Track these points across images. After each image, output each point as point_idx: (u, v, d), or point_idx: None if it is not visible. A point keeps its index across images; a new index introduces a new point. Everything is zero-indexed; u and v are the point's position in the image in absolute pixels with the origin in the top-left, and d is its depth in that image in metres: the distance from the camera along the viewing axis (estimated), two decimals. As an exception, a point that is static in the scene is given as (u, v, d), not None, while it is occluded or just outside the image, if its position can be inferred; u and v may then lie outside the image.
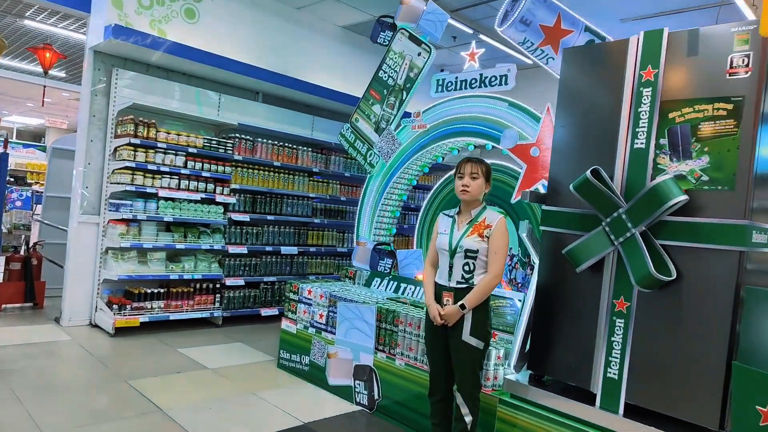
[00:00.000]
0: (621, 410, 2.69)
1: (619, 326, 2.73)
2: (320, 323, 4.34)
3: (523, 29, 3.79)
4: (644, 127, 2.70)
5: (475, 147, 4.86)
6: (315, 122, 7.00)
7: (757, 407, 2.16)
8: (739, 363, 2.22)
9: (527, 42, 3.88)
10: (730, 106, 2.46)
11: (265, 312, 6.27)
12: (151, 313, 5.42)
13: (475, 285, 2.84)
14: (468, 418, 2.84)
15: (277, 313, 6.34)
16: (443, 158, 5.14)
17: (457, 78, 4.66)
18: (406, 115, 5.05)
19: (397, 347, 3.77)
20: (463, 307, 2.81)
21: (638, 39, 2.78)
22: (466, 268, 2.86)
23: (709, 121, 2.52)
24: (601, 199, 2.71)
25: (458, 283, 2.87)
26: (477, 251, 2.85)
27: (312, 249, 6.75)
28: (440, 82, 4.79)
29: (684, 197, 2.46)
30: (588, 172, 2.73)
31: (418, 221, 5.30)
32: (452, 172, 4.94)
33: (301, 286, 4.57)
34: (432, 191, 5.19)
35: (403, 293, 4.53)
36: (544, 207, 3.11)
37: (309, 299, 4.48)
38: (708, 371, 2.45)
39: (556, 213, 3.03)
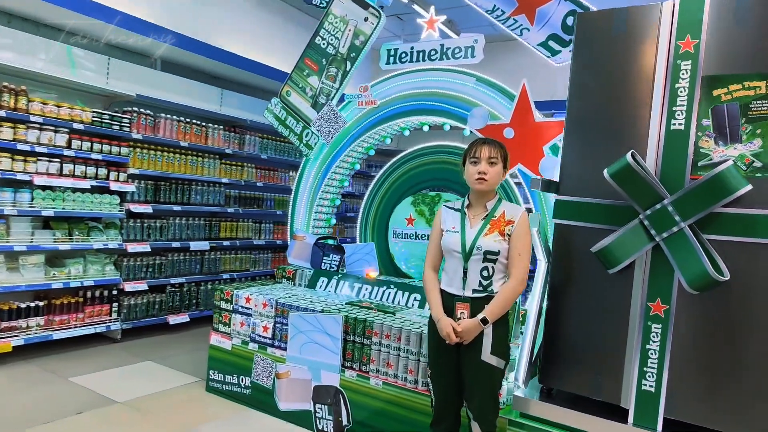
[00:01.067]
0: (659, 427, 2.37)
1: (656, 332, 2.40)
2: (264, 337, 3.61)
3: None
4: (683, 105, 2.36)
5: (431, 128, 4.36)
6: (224, 96, 6.04)
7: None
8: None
9: (497, 10, 3.46)
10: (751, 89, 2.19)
11: (174, 320, 5.31)
12: (27, 333, 4.27)
13: (496, 293, 2.35)
14: None
15: (188, 319, 5.42)
16: (391, 140, 4.57)
17: (413, 48, 4.11)
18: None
19: (370, 363, 3.19)
20: (485, 321, 2.31)
21: (673, 3, 2.42)
22: (485, 273, 2.36)
23: (763, 99, 2.23)
24: (642, 188, 2.33)
25: (475, 291, 2.36)
26: (498, 253, 2.35)
27: (226, 243, 5.86)
28: (392, 53, 4.20)
29: (749, 186, 2.16)
30: (629, 156, 2.34)
31: (361, 212, 4.70)
32: (401, 156, 4.44)
33: (235, 293, 3.78)
34: (378, 177, 4.61)
35: (358, 295, 3.93)
36: (558, 197, 2.69)
37: (247, 309, 3.72)
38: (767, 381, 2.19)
39: (575, 204, 2.61)
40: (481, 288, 2.36)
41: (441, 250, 2.52)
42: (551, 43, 3.56)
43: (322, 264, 4.28)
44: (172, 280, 5.33)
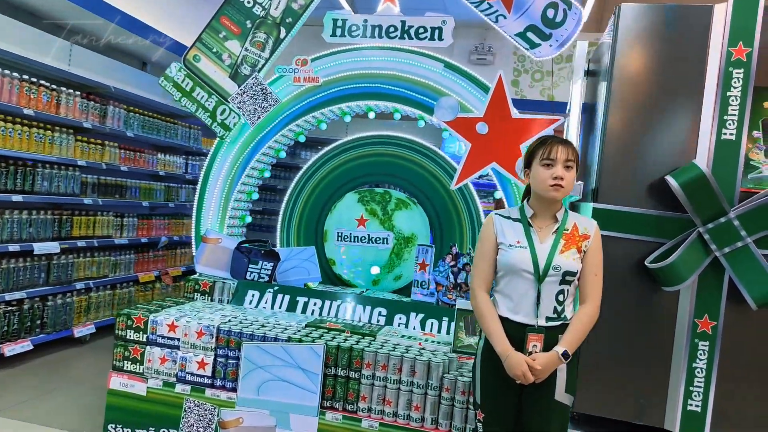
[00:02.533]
0: (705, 448, 2.29)
1: (703, 349, 2.31)
2: (201, 376, 2.76)
3: None
4: (734, 115, 2.28)
5: (377, 115, 3.83)
6: (73, 51, 4.65)
7: None
8: None
9: None
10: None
11: (11, 350, 3.93)
12: None
13: (571, 321, 2.01)
14: None
15: (31, 347, 4.08)
16: (327, 125, 3.92)
17: (366, 22, 3.52)
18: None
19: (359, 401, 2.61)
20: (566, 356, 1.94)
21: (726, 8, 2.32)
22: (560, 297, 2.00)
23: (809, 116, 2.24)
24: (708, 200, 2.20)
25: (548, 320, 1.99)
26: (576, 273, 2.00)
27: (81, 243, 4.56)
28: (339, 24, 3.57)
29: (819, 205, 2.14)
30: (703, 165, 2.17)
31: (283, 209, 3.96)
32: (339, 144, 3.83)
33: (151, 319, 2.84)
34: (306, 168, 3.91)
35: (305, 311, 3.26)
36: (596, 205, 2.44)
37: (172, 339, 2.82)
38: (814, 395, 2.23)
39: (617, 213, 2.40)
40: (555, 315, 1.99)
41: (494, 269, 2.09)
42: (530, 35, 3.31)
43: (248, 273, 3.48)
44: (8, 296, 3.94)
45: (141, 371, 2.83)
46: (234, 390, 2.71)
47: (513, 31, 3.34)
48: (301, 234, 3.93)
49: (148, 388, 2.80)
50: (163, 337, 2.82)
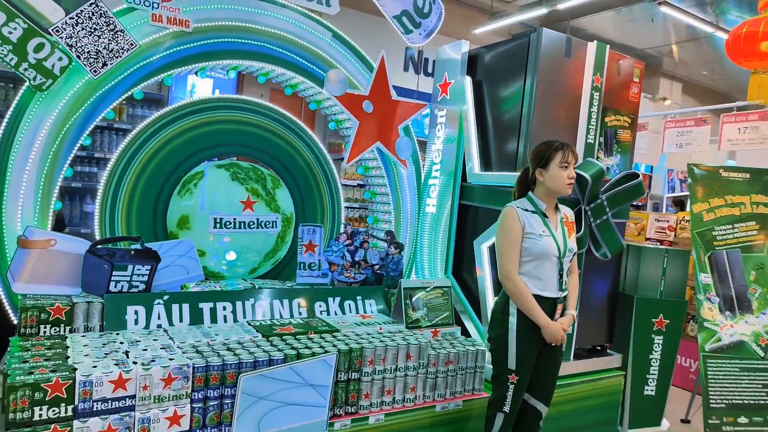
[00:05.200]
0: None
1: (573, 291, 3.30)
2: (173, 434, 2.05)
3: None
4: (594, 126, 3.27)
5: (239, 74, 3.24)
6: None
7: (652, 320, 3.48)
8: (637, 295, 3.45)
9: None
10: (629, 120, 3.46)
11: None
12: None
13: (569, 289, 2.60)
14: None
15: None
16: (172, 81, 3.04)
17: (249, -37, 2.93)
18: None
19: (362, 399, 2.51)
20: (575, 317, 2.55)
21: (592, 47, 3.21)
22: (565, 273, 2.56)
23: (624, 129, 3.43)
24: (596, 188, 3.11)
25: (562, 290, 2.54)
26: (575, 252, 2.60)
27: None
28: (213, -44, 2.84)
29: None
30: (602, 164, 3.04)
31: (102, 191, 2.90)
32: (176, 107, 3.15)
33: (81, 382, 1.86)
34: (130, 137, 2.94)
35: (214, 320, 2.69)
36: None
37: (124, 399, 1.95)
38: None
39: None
40: (564, 287, 2.55)
41: (519, 255, 2.46)
42: (405, 20, 3.51)
43: (112, 284, 2.56)
44: None
45: (71, 463, 1.86)
46: (223, 435, 2.15)
47: (391, 12, 3.46)
48: (132, 220, 3.03)
49: (88, 482, 1.88)
50: (105, 400, 1.92)
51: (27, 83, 2.43)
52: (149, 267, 2.65)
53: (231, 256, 3.19)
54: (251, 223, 3.08)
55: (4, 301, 2.51)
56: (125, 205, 3.00)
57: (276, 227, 3.20)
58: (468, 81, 3.38)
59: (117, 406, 1.95)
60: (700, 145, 4.95)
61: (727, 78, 11.18)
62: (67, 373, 1.88)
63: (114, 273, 2.56)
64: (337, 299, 3.11)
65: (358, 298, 3.18)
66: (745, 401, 3.45)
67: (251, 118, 3.32)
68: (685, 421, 3.89)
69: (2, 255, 2.50)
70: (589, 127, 3.23)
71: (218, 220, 3.03)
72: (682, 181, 11.10)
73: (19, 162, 2.46)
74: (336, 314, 3.06)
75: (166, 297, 2.62)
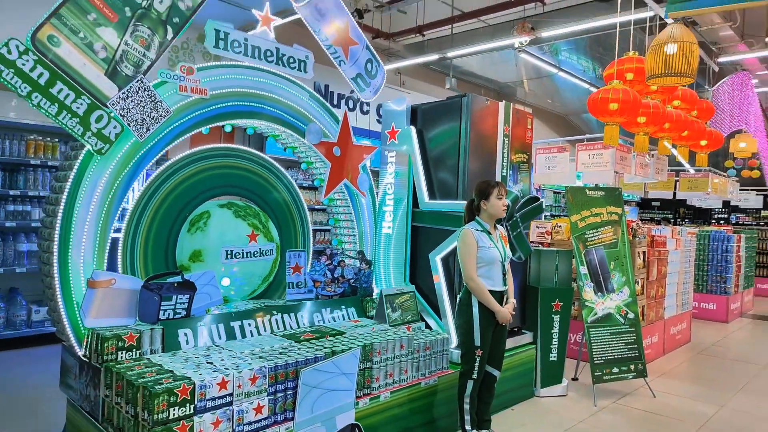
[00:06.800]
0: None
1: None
2: (257, 421, 2.66)
3: (318, 18, 4.03)
4: (505, 163, 4.39)
5: (211, 129, 3.80)
6: None
7: (551, 303, 4.69)
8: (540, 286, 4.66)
9: (322, 34, 4.10)
10: (527, 156, 4.65)
11: None
12: None
13: (508, 284, 3.63)
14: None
15: None
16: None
17: (247, 41, 3.57)
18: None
19: (375, 381, 3.28)
20: (515, 303, 3.59)
21: (504, 103, 4.34)
22: (505, 272, 3.58)
23: (523, 163, 4.61)
24: (511, 209, 4.22)
25: (505, 285, 3.55)
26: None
27: None
28: (221, 36, 3.45)
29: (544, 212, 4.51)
30: (520, 194, 4.15)
31: (124, 231, 3.31)
32: (178, 158, 3.70)
33: (198, 385, 2.43)
34: (144, 187, 3.39)
35: (243, 335, 3.28)
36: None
37: (224, 396, 2.53)
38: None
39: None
40: (506, 283, 3.57)
41: (476, 262, 3.43)
42: (359, 80, 4.35)
43: (161, 312, 3.06)
44: None
45: (193, 447, 2.41)
46: (288, 419, 2.80)
47: (349, 75, 4.29)
48: (149, 256, 3.48)
49: (205, 462, 2.45)
50: (214, 399, 2.50)
51: (87, 148, 2.86)
52: (188, 296, 3.18)
53: (225, 282, 3.76)
54: (256, 253, 3.70)
55: (71, 334, 2.88)
56: (142, 243, 3.44)
57: (272, 254, 3.83)
58: (413, 129, 4.32)
59: (221, 402, 2.54)
60: (564, 168, 6.42)
61: (564, 105, 13.58)
62: (187, 380, 2.43)
63: (162, 303, 3.06)
64: (328, 309, 3.83)
65: (342, 307, 3.94)
66: (615, 356, 4.80)
67: (240, 162, 3.91)
68: (575, 379, 5.17)
69: (68, 295, 2.87)
70: (503, 163, 4.35)
71: (229, 252, 3.60)
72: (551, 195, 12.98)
73: (81, 216, 2.86)
74: (331, 321, 3.78)
75: (203, 320, 3.17)
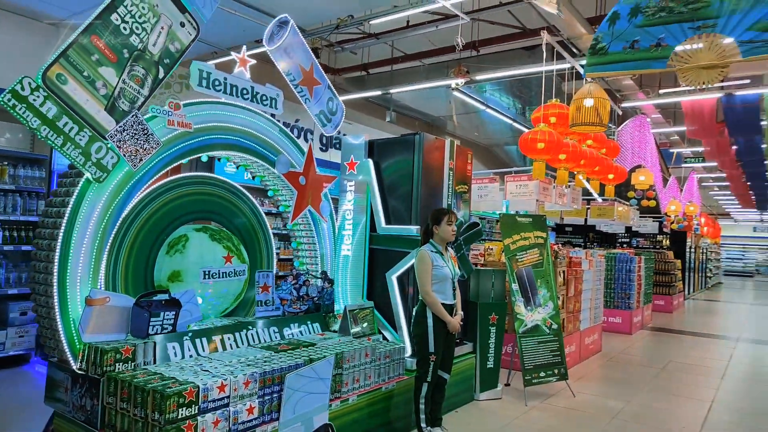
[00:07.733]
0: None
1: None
2: (249, 420, 3.00)
3: (287, 59, 4.55)
4: (449, 192, 5.00)
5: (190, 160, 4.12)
6: None
7: (488, 316, 5.31)
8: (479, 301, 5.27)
9: (290, 75, 4.60)
10: (467, 187, 5.29)
11: None
12: None
13: (457, 298, 4.18)
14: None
15: None
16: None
17: (226, 79, 3.95)
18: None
19: (344, 386, 3.68)
20: (462, 315, 4.14)
21: (451, 141, 4.96)
22: (455, 288, 4.14)
23: (464, 193, 5.24)
24: (456, 233, 4.80)
25: (454, 299, 4.10)
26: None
27: None
28: (204, 75, 3.82)
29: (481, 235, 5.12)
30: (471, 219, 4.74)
31: (108, 252, 3.52)
32: (162, 184, 4.00)
33: (202, 388, 2.74)
34: (125, 214, 3.63)
35: (224, 347, 3.59)
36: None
37: (222, 399, 2.85)
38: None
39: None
40: (455, 297, 4.11)
41: (431, 279, 3.96)
42: (322, 117, 4.81)
43: (150, 327, 3.33)
44: None
45: (198, 444, 2.72)
46: (273, 420, 3.15)
47: (313, 111, 4.75)
48: (129, 276, 3.72)
49: (207, 457, 2.75)
50: (214, 401, 2.82)
51: (86, 176, 3.11)
52: (174, 312, 3.45)
53: (200, 300, 4.04)
54: (231, 273, 4.02)
55: (66, 349, 3.08)
56: (124, 264, 3.67)
57: (244, 274, 4.16)
58: (371, 162, 4.83)
59: (220, 404, 2.86)
60: (495, 197, 7.18)
61: (488, 138, 14.70)
62: (192, 384, 2.74)
63: (151, 320, 3.32)
64: (295, 324, 4.20)
65: (308, 322, 4.32)
66: (542, 362, 5.48)
67: (213, 189, 4.23)
68: (507, 384, 5.79)
69: (66, 314, 3.07)
70: (448, 193, 4.95)
71: (207, 272, 3.90)
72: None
73: (78, 239, 3.09)
74: (299, 335, 4.15)
75: (189, 334, 3.45)
